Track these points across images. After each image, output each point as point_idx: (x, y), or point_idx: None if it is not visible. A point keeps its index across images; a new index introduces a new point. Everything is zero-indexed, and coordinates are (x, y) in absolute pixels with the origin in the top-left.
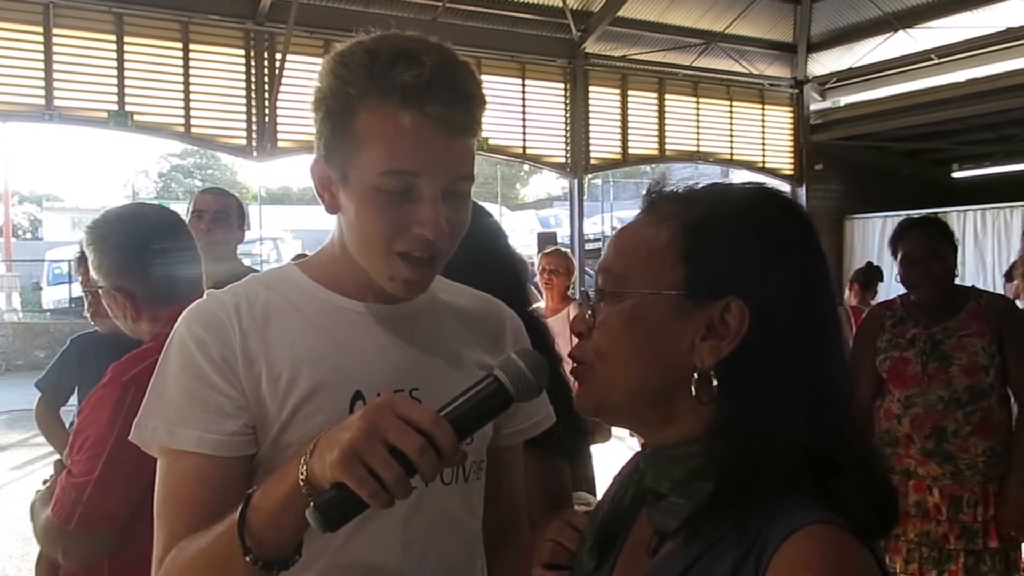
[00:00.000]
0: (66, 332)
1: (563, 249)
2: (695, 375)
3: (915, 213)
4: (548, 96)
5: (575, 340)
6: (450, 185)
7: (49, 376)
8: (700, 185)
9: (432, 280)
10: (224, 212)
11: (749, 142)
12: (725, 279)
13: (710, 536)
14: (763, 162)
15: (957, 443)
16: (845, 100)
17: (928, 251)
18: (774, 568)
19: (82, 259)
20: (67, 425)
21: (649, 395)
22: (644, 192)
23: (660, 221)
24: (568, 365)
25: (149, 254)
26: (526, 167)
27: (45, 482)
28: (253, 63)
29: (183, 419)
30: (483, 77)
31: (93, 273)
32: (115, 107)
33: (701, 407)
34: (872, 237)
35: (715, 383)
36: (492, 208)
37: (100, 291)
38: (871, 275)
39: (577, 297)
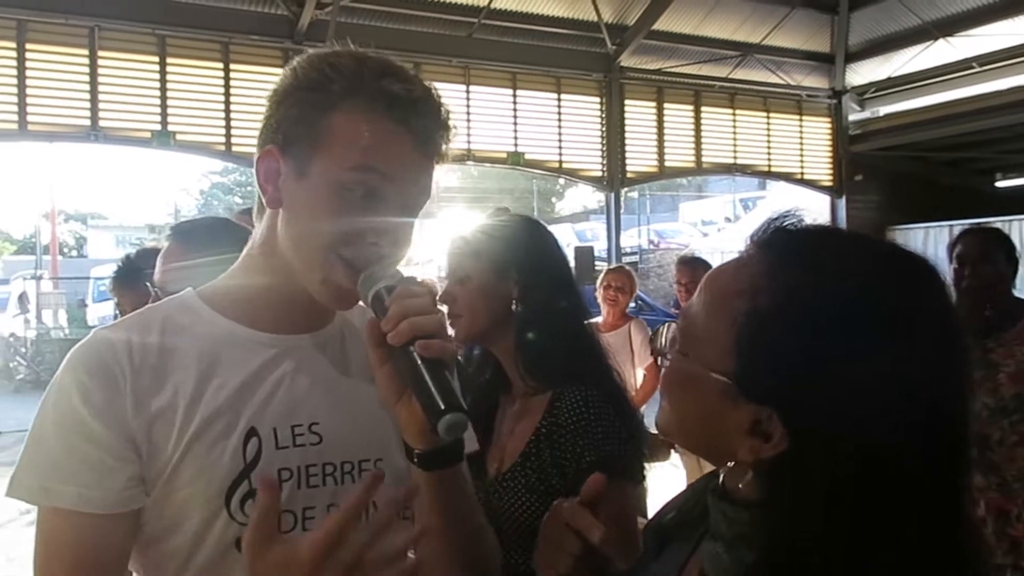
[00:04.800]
0: None
1: (627, 268)
2: (730, 464)
3: (957, 224)
4: (584, 110)
5: (638, 357)
6: (412, 200)
7: None
8: (829, 232)
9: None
10: None
11: (787, 154)
12: (768, 389)
13: None
14: (802, 174)
15: (1003, 452)
16: (884, 110)
17: (978, 253)
18: None
19: (118, 279)
20: None
21: (701, 449)
22: (760, 226)
23: (739, 289)
24: (628, 381)
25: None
26: (562, 181)
27: None
28: None
29: (61, 475)
30: (518, 92)
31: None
32: (158, 127)
33: (755, 479)
34: (914, 248)
35: (750, 474)
36: None
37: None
38: None
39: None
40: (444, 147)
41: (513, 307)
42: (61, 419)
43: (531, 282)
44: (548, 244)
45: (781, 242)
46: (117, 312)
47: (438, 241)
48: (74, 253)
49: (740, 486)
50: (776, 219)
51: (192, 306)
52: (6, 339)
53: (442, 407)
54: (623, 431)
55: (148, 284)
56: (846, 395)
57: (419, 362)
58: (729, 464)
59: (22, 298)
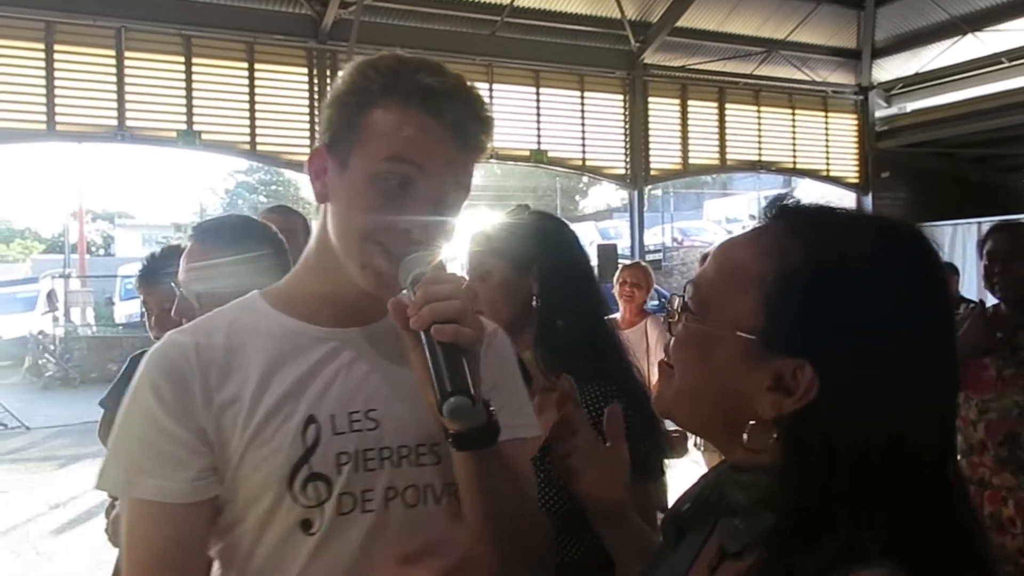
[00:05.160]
0: (138, 345)
1: (643, 263)
2: (751, 422)
3: (985, 221)
4: (607, 108)
5: (654, 354)
6: (446, 193)
7: (113, 394)
8: (828, 206)
9: None
10: (292, 231)
11: (813, 150)
12: (803, 340)
13: (767, 569)
14: (827, 170)
15: None
16: (912, 106)
17: (1009, 250)
18: None
19: (142, 277)
20: None
21: (711, 420)
22: (766, 204)
23: (761, 252)
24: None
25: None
26: (585, 179)
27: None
28: (316, 81)
29: (140, 469)
30: (541, 90)
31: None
32: (184, 126)
33: (770, 447)
34: (941, 246)
35: (774, 436)
36: None
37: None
38: None
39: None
40: (482, 139)
41: (533, 303)
42: (139, 418)
43: (550, 279)
44: (567, 241)
45: (793, 212)
46: (143, 310)
47: (461, 238)
48: (102, 252)
49: (757, 452)
50: (778, 199)
51: (256, 306)
52: (35, 337)
53: (448, 389)
54: (642, 427)
55: (172, 284)
56: (880, 346)
57: (433, 345)
58: (747, 428)
59: (51, 296)
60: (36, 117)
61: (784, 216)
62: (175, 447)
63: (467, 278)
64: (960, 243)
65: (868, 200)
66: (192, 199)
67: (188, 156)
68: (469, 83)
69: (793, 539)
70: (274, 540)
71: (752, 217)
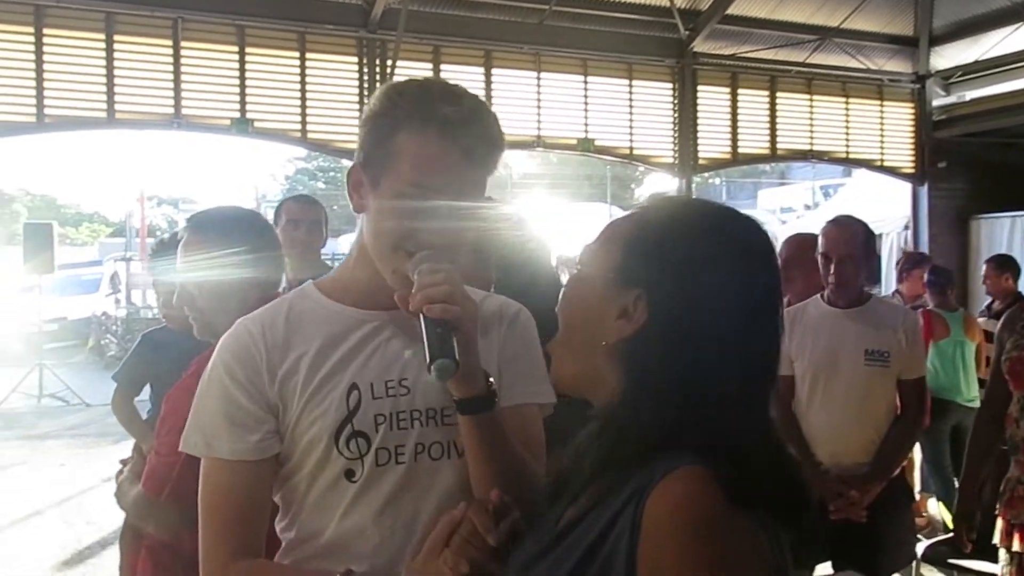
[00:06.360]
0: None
1: None
2: (603, 344)
3: None
4: (656, 96)
5: None
6: (460, 206)
7: (124, 369)
8: (691, 197)
9: None
10: (317, 221)
11: (866, 140)
12: (642, 275)
13: (599, 492)
14: (882, 160)
15: None
16: (971, 95)
17: None
18: (649, 505)
19: (152, 263)
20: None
21: (581, 359)
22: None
23: (629, 218)
24: None
25: None
26: (641, 167)
27: (124, 462)
28: (366, 69)
29: (217, 434)
30: (589, 79)
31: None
32: (237, 114)
33: (615, 378)
34: (999, 238)
35: (614, 357)
36: (602, 208)
37: None
38: (942, 276)
39: None
40: (493, 159)
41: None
42: (216, 393)
43: (508, 268)
44: (526, 233)
45: (658, 199)
46: (158, 292)
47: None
48: (166, 236)
49: (608, 387)
50: (651, 196)
51: (309, 294)
52: (98, 318)
53: (435, 354)
54: None
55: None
56: (696, 285)
57: (427, 322)
58: (599, 350)
59: (114, 279)
60: (96, 105)
61: (656, 197)
62: (245, 416)
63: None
64: (1020, 235)
65: (924, 191)
66: (252, 185)
67: (243, 143)
68: (484, 107)
69: (621, 434)
70: (323, 486)
71: (807, 207)
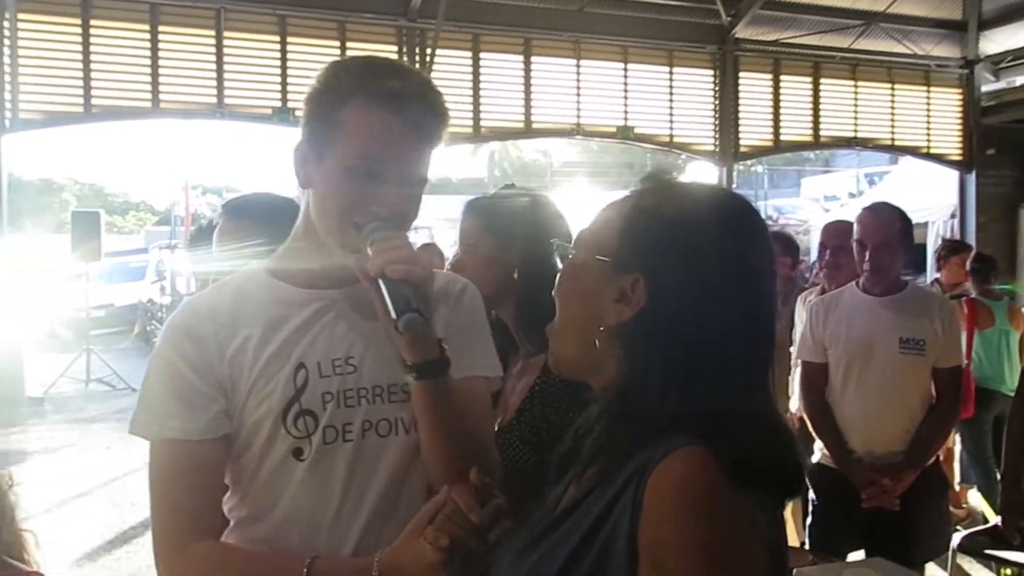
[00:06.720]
0: None
1: None
2: (601, 328)
3: None
4: (696, 83)
5: None
6: (407, 178)
7: None
8: (686, 180)
9: None
10: None
11: (913, 126)
12: (640, 259)
13: (602, 471)
14: (928, 147)
15: None
16: (1021, 80)
17: None
18: (649, 485)
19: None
20: None
21: (580, 342)
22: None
23: (623, 202)
24: None
25: None
26: (684, 155)
27: None
28: (405, 58)
29: (168, 413)
30: (629, 66)
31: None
32: (278, 103)
33: (614, 361)
34: None
35: (613, 341)
36: None
37: None
38: (986, 264)
39: None
40: (439, 132)
41: (515, 276)
42: (165, 371)
43: (530, 253)
44: (549, 218)
45: (653, 182)
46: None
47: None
48: (204, 222)
49: (607, 371)
50: (650, 175)
51: (255, 275)
52: (144, 305)
53: (403, 309)
54: None
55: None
56: (695, 266)
57: (389, 283)
58: (598, 334)
59: (159, 266)
60: (142, 95)
61: (644, 185)
62: (195, 395)
63: (458, 250)
64: None
65: (972, 178)
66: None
67: (285, 132)
68: (429, 83)
69: (621, 416)
70: (272, 465)
71: (851, 195)
